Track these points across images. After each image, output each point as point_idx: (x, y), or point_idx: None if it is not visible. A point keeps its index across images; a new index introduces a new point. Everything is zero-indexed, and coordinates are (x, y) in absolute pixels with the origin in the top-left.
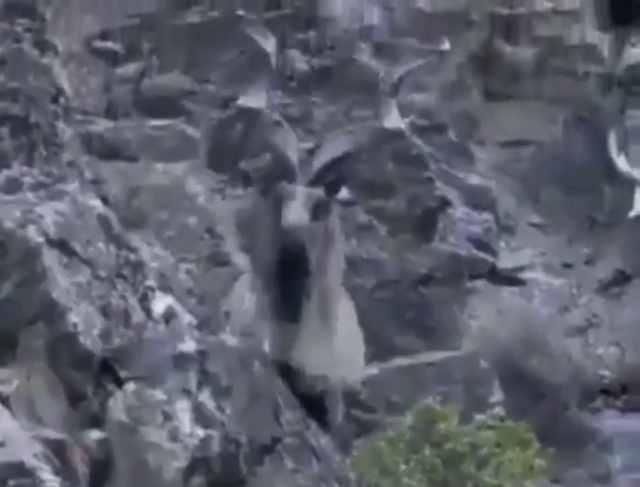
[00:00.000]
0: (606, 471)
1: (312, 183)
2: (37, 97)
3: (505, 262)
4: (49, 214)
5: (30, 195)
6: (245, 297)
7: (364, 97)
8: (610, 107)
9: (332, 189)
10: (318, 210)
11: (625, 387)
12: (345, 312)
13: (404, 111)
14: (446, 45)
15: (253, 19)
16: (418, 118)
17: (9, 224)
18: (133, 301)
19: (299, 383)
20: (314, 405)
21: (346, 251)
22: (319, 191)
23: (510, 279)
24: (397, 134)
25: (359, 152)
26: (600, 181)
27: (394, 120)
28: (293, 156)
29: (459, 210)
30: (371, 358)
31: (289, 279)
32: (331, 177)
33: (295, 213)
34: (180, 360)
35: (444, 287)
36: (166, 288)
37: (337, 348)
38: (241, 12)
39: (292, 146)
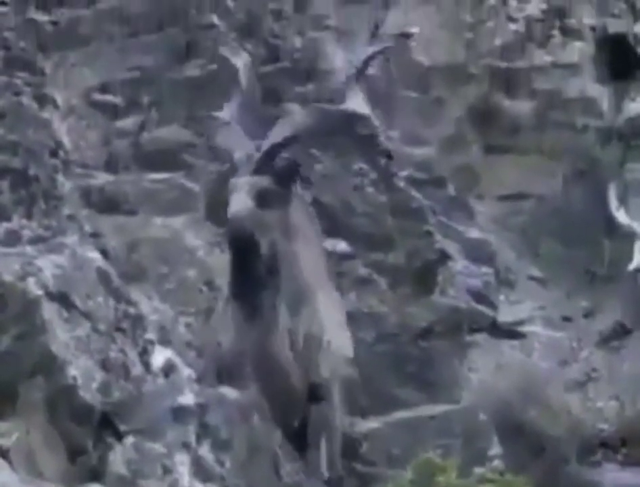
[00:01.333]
0: None
1: (257, 171)
2: (36, 151)
3: (505, 315)
4: (49, 267)
5: (29, 248)
6: None
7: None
8: (610, 160)
9: (286, 178)
10: (267, 198)
11: (625, 440)
12: (330, 303)
13: (402, 164)
14: (413, 29)
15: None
16: (417, 172)
17: (8, 277)
18: (133, 354)
19: (279, 383)
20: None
21: (345, 303)
22: (264, 179)
23: (510, 332)
24: (357, 118)
25: (306, 136)
26: (599, 234)
27: (355, 104)
28: (240, 152)
29: (459, 264)
30: (371, 412)
31: (244, 273)
32: (279, 164)
33: (238, 202)
34: (180, 414)
35: (444, 341)
36: (165, 341)
37: (324, 339)
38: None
39: (238, 143)
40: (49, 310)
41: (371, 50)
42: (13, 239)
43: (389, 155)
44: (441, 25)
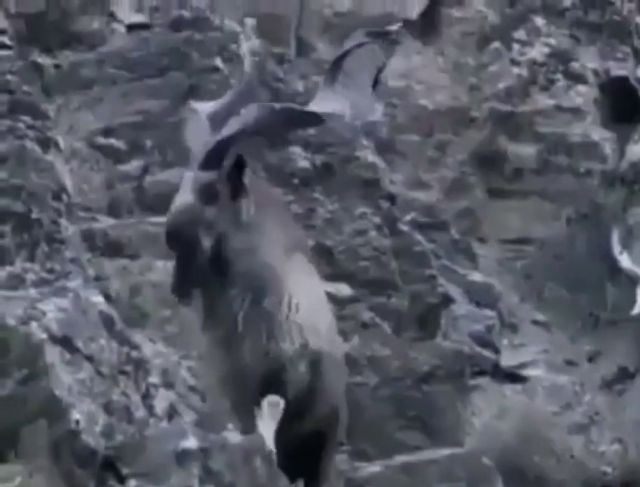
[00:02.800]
0: None
1: (203, 167)
2: (40, 194)
3: (508, 359)
4: (52, 310)
5: (32, 292)
6: None
7: (367, 194)
8: (613, 204)
9: (233, 173)
10: (211, 194)
11: (627, 484)
12: (308, 289)
13: (406, 208)
14: (394, 27)
15: None
16: (420, 215)
17: (11, 321)
18: (135, 398)
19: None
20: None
21: (347, 349)
22: (210, 175)
23: (513, 376)
24: (315, 117)
25: (255, 132)
26: (603, 279)
27: (320, 104)
28: (196, 147)
29: (462, 307)
30: (374, 456)
31: (186, 271)
32: (228, 160)
33: (180, 198)
34: (183, 458)
35: (447, 385)
36: (168, 385)
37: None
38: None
39: (197, 137)
40: (52, 354)
41: (346, 47)
42: (16, 282)
43: (392, 199)
44: (444, 69)
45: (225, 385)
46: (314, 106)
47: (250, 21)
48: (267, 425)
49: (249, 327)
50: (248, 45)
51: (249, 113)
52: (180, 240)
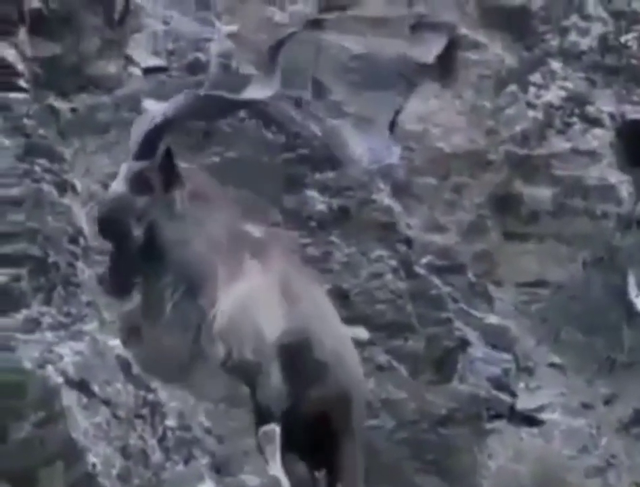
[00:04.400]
0: None
1: (136, 156)
2: (56, 237)
3: (524, 402)
4: (68, 354)
5: (49, 335)
6: None
7: (384, 237)
8: (629, 247)
9: (164, 164)
10: (143, 183)
11: None
12: (234, 292)
13: (422, 251)
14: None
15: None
16: (437, 258)
17: (28, 364)
18: (152, 441)
19: None
20: None
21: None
22: (142, 164)
23: (529, 419)
24: (246, 104)
25: (181, 119)
26: (619, 321)
27: (253, 92)
28: (134, 135)
29: (479, 350)
30: None
31: (118, 262)
32: (159, 149)
33: (112, 187)
34: None
35: (463, 428)
36: (184, 428)
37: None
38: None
39: (136, 128)
40: (69, 397)
41: (280, 37)
42: (32, 326)
43: (408, 242)
44: (461, 112)
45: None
46: (246, 94)
47: (226, 29)
48: (273, 460)
49: (178, 319)
50: (217, 47)
51: (176, 102)
52: (111, 229)
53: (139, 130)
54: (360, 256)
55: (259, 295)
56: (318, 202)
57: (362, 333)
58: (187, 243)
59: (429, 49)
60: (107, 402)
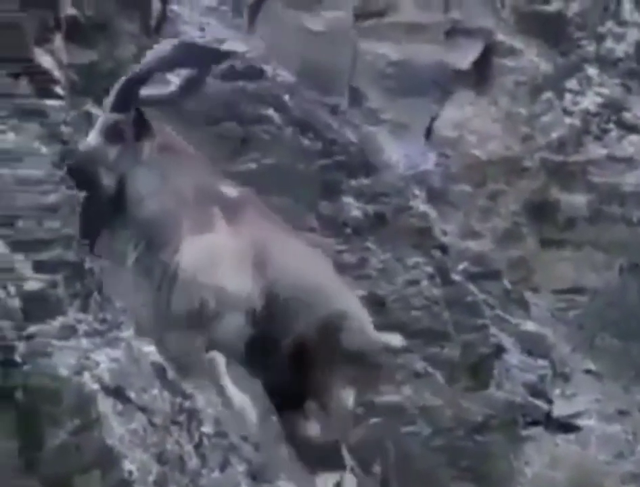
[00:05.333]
0: None
1: (112, 108)
2: None
3: (560, 409)
4: (104, 360)
5: (85, 342)
6: None
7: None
8: None
9: (140, 115)
10: (116, 134)
11: None
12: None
13: (458, 258)
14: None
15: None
16: (472, 265)
17: (64, 371)
18: (188, 448)
19: None
20: None
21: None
22: (116, 116)
23: (565, 425)
24: (225, 55)
25: (156, 70)
26: None
27: (233, 44)
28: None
29: (514, 357)
30: None
31: (89, 213)
32: (134, 100)
33: (86, 139)
34: None
35: (499, 434)
36: (221, 434)
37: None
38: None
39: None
40: (105, 404)
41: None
42: (68, 333)
43: (444, 249)
44: (497, 119)
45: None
46: (226, 46)
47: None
48: (223, 380)
49: (141, 271)
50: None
51: (152, 53)
52: (82, 178)
53: (116, 84)
54: (396, 262)
55: (226, 250)
56: (354, 208)
57: (398, 340)
58: (152, 195)
59: (465, 56)
60: (143, 409)
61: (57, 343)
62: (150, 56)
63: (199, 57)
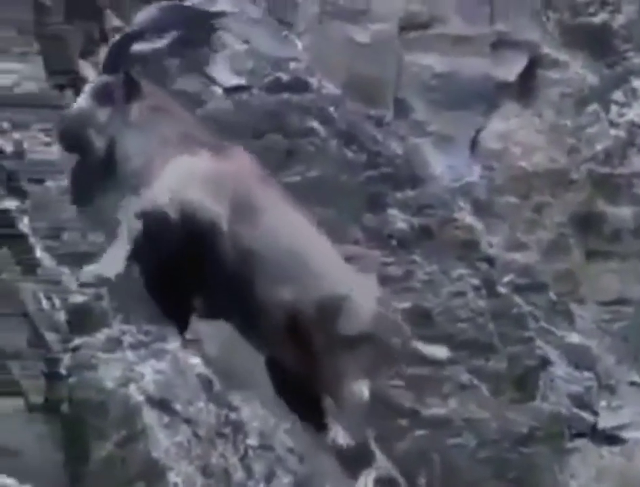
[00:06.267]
0: None
1: (104, 70)
2: None
3: (606, 421)
4: (149, 372)
5: (130, 354)
6: None
7: (465, 256)
8: None
9: (130, 76)
10: (106, 95)
11: None
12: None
13: (503, 270)
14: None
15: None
16: (518, 277)
17: (109, 384)
18: (234, 460)
19: None
20: None
21: (442, 411)
22: (107, 77)
23: (611, 437)
24: (217, 15)
25: (145, 31)
26: None
27: (223, 4)
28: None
29: (560, 369)
30: None
31: (81, 176)
32: (124, 63)
33: (76, 102)
34: None
35: (544, 447)
36: (266, 447)
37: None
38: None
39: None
40: (150, 416)
41: None
42: (113, 345)
43: (490, 261)
44: (541, 130)
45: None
46: (215, 7)
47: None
48: None
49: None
50: None
51: (142, 15)
52: (73, 141)
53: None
54: (442, 274)
55: (203, 171)
56: (400, 221)
57: (443, 352)
58: (140, 153)
59: (511, 68)
60: (188, 421)
61: (102, 356)
62: (140, 17)
63: (189, 18)
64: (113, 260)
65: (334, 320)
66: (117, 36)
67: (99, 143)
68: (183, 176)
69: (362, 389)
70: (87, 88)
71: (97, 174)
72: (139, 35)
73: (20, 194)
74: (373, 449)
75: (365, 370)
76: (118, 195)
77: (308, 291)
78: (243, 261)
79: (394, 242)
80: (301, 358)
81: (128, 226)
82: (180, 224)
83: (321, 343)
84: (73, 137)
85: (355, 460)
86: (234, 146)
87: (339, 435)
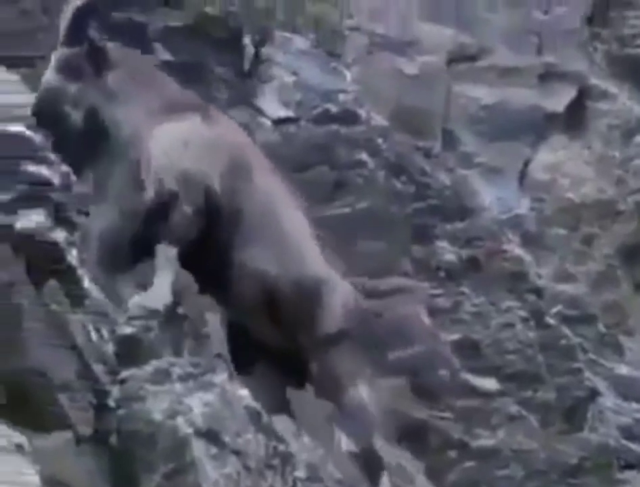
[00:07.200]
0: None
1: (65, 43)
2: (185, 289)
3: None
4: (198, 405)
5: (178, 386)
6: None
7: (514, 287)
8: None
9: (96, 47)
10: (74, 68)
11: None
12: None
13: (552, 301)
14: None
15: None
16: (567, 309)
17: (158, 416)
18: None
19: None
20: None
21: (491, 443)
22: (71, 50)
23: None
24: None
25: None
26: None
27: None
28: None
29: (609, 401)
30: None
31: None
32: (86, 33)
33: (44, 78)
34: None
35: (593, 478)
36: (315, 479)
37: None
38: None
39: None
40: (199, 448)
41: None
42: (162, 377)
43: (539, 293)
44: (589, 162)
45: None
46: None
47: None
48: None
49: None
50: None
51: None
52: (47, 118)
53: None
54: (490, 306)
55: (196, 136)
56: (448, 252)
57: (492, 384)
58: (122, 122)
59: (559, 99)
60: (237, 453)
61: (150, 388)
62: None
63: None
64: (160, 291)
65: (311, 304)
66: (72, 7)
67: (76, 116)
68: (176, 145)
69: (360, 394)
70: (51, 63)
71: (78, 147)
72: (96, 5)
73: (68, 226)
74: (380, 455)
75: (354, 372)
76: (113, 164)
77: (289, 269)
78: (234, 223)
79: (442, 274)
80: (273, 333)
81: (165, 255)
82: (185, 196)
83: (298, 328)
84: (47, 114)
85: (364, 467)
86: (218, 111)
87: (343, 442)
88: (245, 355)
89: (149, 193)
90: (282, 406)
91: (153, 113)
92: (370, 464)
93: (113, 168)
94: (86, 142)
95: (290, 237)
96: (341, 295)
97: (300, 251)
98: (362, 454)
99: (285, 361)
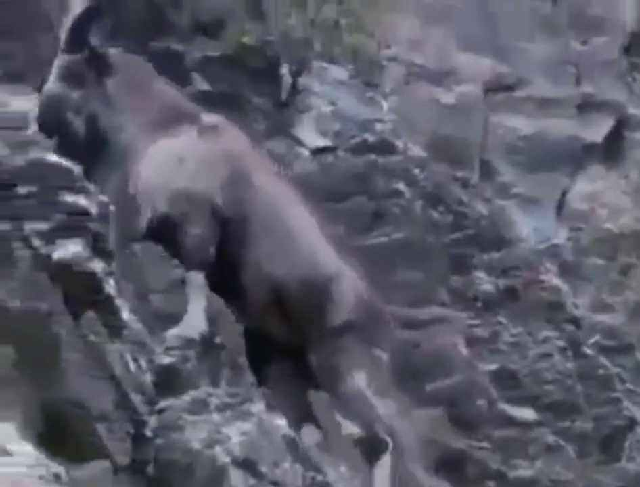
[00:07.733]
0: None
1: (66, 50)
2: (222, 318)
3: None
4: (235, 434)
5: (216, 416)
6: None
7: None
8: None
9: (97, 54)
10: (75, 76)
11: None
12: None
13: (590, 331)
14: None
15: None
16: (604, 339)
17: (196, 445)
18: None
19: None
20: None
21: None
22: (73, 57)
23: None
24: None
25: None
26: None
27: None
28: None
29: None
30: None
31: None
32: (87, 41)
33: (46, 85)
34: None
35: None
36: None
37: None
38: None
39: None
40: (237, 478)
41: None
42: (200, 407)
43: (576, 323)
44: (627, 192)
45: None
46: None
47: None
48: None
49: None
50: None
51: None
52: (50, 125)
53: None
54: (528, 336)
55: (192, 153)
56: (485, 282)
57: (530, 414)
58: (121, 129)
59: (597, 129)
60: (275, 483)
61: (188, 418)
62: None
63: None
64: (194, 319)
65: (320, 301)
66: (74, 15)
67: (78, 122)
68: (171, 163)
69: (358, 382)
70: (53, 70)
71: (80, 153)
72: (97, 11)
73: (106, 256)
74: (384, 437)
75: (354, 362)
76: (112, 170)
77: (297, 267)
78: (242, 231)
79: (479, 304)
80: (284, 331)
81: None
82: (189, 218)
83: (306, 324)
84: (50, 121)
85: (369, 451)
86: (220, 118)
87: (343, 427)
88: (264, 365)
89: (144, 215)
90: (306, 416)
91: (149, 125)
92: (372, 448)
93: (112, 174)
94: (88, 147)
95: (297, 237)
96: (349, 288)
97: (308, 248)
98: (364, 438)
99: (300, 360)
